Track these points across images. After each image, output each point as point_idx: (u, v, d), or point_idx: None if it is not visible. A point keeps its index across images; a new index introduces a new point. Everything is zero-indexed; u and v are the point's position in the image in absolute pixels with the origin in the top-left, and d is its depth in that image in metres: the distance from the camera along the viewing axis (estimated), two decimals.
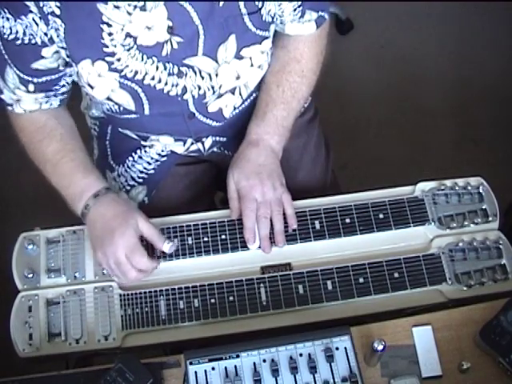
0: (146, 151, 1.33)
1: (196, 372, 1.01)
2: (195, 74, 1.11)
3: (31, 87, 1.11)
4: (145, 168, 1.33)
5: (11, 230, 1.18)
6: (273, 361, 1.01)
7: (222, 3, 1.05)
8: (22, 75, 1.09)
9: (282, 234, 1.15)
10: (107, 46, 1.04)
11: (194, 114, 1.18)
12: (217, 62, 1.10)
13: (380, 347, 0.97)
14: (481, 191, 1.21)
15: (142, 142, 1.31)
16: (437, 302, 1.13)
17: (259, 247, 1.15)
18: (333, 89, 2.22)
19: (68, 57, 1.07)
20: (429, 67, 2.38)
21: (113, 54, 1.06)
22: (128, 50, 1.05)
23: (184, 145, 1.29)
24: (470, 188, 1.21)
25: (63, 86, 1.15)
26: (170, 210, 1.23)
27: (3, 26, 1.02)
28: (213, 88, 1.14)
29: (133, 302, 1.12)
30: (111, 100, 1.13)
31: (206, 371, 1.01)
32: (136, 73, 1.08)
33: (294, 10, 1.15)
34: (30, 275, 1.14)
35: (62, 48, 1.05)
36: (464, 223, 1.19)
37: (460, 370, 1.04)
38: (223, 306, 1.12)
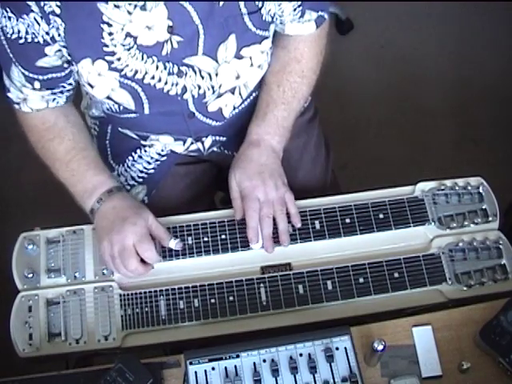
0: (145, 151, 1.33)
1: (196, 372, 1.01)
2: (195, 73, 1.11)
3: (37, 84, 1.11)
4: (145, 168, 1.33)
5: (11, 229, 1.18)
6: (273, 361, 1.01)
7: (222, 3, 1.05)
8: (27, 73, 1.09)
9: (287, 233, 1.15)
10: (107, 46, 1.05)
11: (194, 113, 1.18)
12: (217, 61, 1.10)
13: (380, 347, 0.97)
14: (481, 191, 1.21)
15: (142, 142, 1.31)
16: (437, 301, 1.13)
17: (262, 247, 1.15)
18: (333, 89, 2.22)
19: (69, 55, 1.07)
20: (429, 67, 2.38)
21: (113, 54, 1.06)
22: (128, 49, 1.06)
23: (184, 144, 1.29)
24: (469, 188, 1.21)
25: (69, 83, 1.15)
26: (169, 209, 1.23)
27: (6, 26, 1.02)
28: (213, 87, 1.14)
29: (133, 302, 1.12)
30: (111, 99, 1.13)
31: (206, 371, 1.01)
32: (136, 72, 1.08)
33: (294, 9, 1.15)
34: (30, 275, 1.14)
35: (63, 47, 1.06)
36: (464, 223, 1.19)
37: (460, 370, 1.04)
38: (223, 306, 1.12)
